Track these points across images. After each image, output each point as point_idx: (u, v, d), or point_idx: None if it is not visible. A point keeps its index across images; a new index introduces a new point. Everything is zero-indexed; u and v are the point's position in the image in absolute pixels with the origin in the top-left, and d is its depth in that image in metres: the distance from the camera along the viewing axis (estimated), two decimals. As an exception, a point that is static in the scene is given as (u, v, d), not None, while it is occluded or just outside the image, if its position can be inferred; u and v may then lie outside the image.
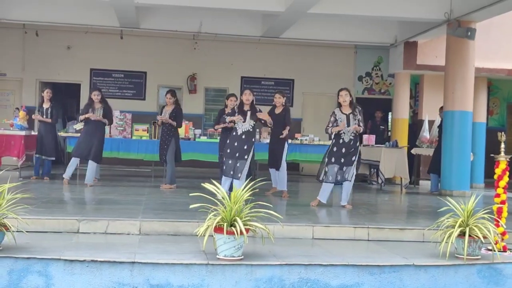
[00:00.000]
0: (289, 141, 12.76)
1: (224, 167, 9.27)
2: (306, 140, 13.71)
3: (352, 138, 9.15)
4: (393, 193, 12.67)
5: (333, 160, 9.08)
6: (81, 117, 11.14)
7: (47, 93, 11.98)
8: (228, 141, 9.41)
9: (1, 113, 15.80)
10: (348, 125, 9.11)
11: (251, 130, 9.31)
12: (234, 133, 9.31)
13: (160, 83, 17.06)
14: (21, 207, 5.84)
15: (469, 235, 5.96)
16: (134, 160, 13.64)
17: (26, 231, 5.89)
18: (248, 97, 9.43)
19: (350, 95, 9.36)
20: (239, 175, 9.06)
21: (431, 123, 13.90)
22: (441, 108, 12.71)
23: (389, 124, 17.31)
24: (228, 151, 9.22)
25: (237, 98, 10.75)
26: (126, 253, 5.72)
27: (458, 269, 5.93)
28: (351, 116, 9.20)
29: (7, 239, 5.56)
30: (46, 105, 11.94)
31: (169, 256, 5.67)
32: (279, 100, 10.57)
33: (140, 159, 13.37)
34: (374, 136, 14.42)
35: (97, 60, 16.59)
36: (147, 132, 13.41)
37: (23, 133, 11.94)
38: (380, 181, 12.95)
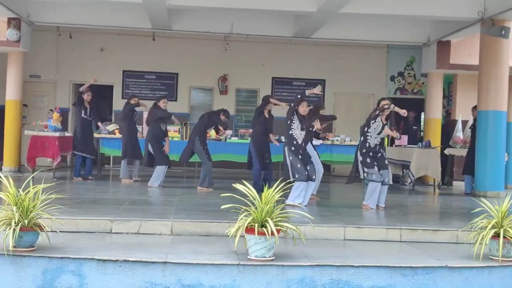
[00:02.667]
0: (319, 142, 12.78)
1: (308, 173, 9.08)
2: (337, 140, 13.67)
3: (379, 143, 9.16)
4: (426, 193, 12.55)
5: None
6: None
7: (87, 97, 12.25)
8: (296, 150, 9.15)
9: (36, 114, 16.03)
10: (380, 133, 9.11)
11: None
12: (295, 142, 9.14)
13: (192, 84, 17.14)
14: (55, 207, 5.92)
15: (504, 237, 5.88)
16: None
17: (60, 231, 5.97)
18: (305, 108, 9.36)
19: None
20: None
21: (464, 123, 13.71)
22: (474, 107, 12.55)
23: (422, 124, 17.14)
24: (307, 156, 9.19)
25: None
26: (158, 253, 5.76)
27: (492, 271, 5.85)
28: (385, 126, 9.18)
29: (42, 239, 5.64)
30: (87, 105, 12.30)
31: (200, 257, 5.69)
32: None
33: (172, 160, 13.43)
34: (407, 136, 14.30)
35: (129, 61, 16.73)
36: (179, 133, 13.48)
37: (57, 134, 12.10)
38: (409, 181, 12.83)
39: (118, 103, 16.25)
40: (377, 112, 9.00)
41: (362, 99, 16.96)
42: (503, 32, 11.37)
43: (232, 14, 13.86)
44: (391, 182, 9.21)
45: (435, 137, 14.96)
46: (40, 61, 16.18)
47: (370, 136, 9.04)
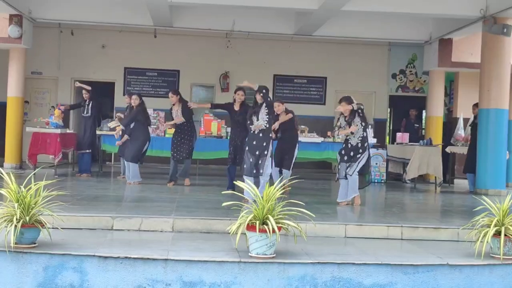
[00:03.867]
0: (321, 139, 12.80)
1: (245, 166, 9.19)
2: (339, 138, 13.64)
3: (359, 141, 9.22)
4: (427, 191, 12.54)
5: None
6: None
7: (85, 94, 12.29)
8: (246, 140, 9.31)
9: (37, 111, 16.03)
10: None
11: (266, 127, 9.21)
12: (251, 132, 9.22)
13: (193, 82, 17.13)
14: (57, 204, 5.93)
15: (505, 235, 5.89)
16: (167, 158, 13.71)
17: (61, 228, 5.98)
18: (259, 97, 9.35)
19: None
20: (261, 171, 9.04)
21: (466, 121, 13.71)
22: (475, 105, 12.55)
23: (423, 122, 17.13)
24: (247, 149, 9.18)
25: (244, 93, 10.72)
26: (159, 250, 5.77)
27: (493, 269, 5.85)
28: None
29: (43, 236, 5.65)
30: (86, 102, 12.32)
31: (201, 254, 5.70)
32: (279, 108, 10.50)
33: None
34: (408, 134, 14.30)
35: (131, 58, 16.72)
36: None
37: (58, 131, 12.11)
38: (404, 178, 12.88)
39: (120, 100, 16.25)
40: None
41: (363, 97, 16.87)
42: (505, 30, 11.34)
43: (234, 11, 13.86)
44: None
45: (437, 135, 14.96)
46: (41, 58, 16.17)
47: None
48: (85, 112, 12.34)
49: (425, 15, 13.17)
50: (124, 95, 15.95)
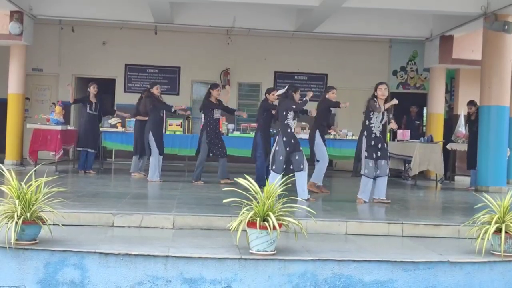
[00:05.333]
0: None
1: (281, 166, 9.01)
2: (342, 134, 13.68)
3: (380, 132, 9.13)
4: (428, 188, 12.54)
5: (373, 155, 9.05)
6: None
7: (93, 88, 12.24)
8: (285, 139, 9.04)
9: (38, 108, 16.05)
10: (381, 121, 9.07)
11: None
12: (289, 130, 9.06)
13: (194, 78, 17.14)
14: (57, 201, 5.93)
15: (506, 232, 5.88)
16: (167, 155, 13.73)
17: (62, 225, 5.99)
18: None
19: (388, 90, 9.20)
20: (302, 166, 9.00)
21: (466, 118, 13.71)
22: (469, 102, 12.56)
23: (424, 119, 17.13)
24: (288, 148, 8.99)
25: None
26: (160, 247, 5.77)
27: (493, 266, 5.85)
28: (385, 113, 9.12)
29: (44, 232, 5.65)
30: (93, 99, 12.23)
31: (202, 250, 5.70)
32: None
33: (174, 154, 13.48)
34: (409, 131, 14.29)
35: (131, 55, 16.72)
36: (181, 127, 13.50)
37: (59, 127, 12.11)
38: (406, 175, 12.86)
39: (120, 97, 16.27)
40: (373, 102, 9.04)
41: (364, 94, 16.74)
42: (506, 27, 11.34)
43: (235, 8, 13.86)
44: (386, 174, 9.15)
45: (438, 132, 14.96)
46: (42, 54, 16.19)
47: (374, 125, 9.07)
48: (92, 110, 12.28)
49: (426, 12, 13.16)
50: (125, 91, 16.00)
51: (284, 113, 9.02)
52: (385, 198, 9.12)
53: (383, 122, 9.14)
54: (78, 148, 12.56)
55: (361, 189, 9.14)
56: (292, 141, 8.97)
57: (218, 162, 11.30)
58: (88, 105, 12.25)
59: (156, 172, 11.13)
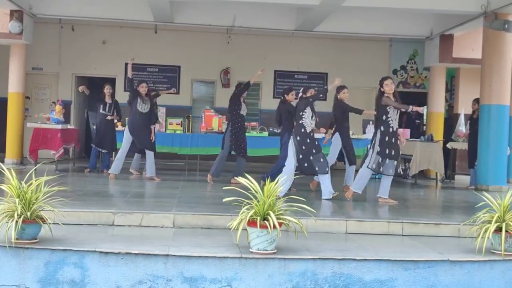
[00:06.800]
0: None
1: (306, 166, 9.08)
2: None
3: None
4: (428, 187, 12.54)
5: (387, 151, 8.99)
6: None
7: (107, 89, 12.22)
8: (298, 138, 9.07)
9: (38, 107, 16.05)
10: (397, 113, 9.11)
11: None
12: (302, 130, 9.10)
13: (194, 77, 17.14)
14: (58, 200, 5.93)
15: (506, 231, 5.89)
16: (168, 154, 13.75)
17: (62, 224, 5.99)
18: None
19: (394, 84, 9.17)
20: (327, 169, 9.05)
21: (467, 117, 13.70)
22: (474, 100, 12.53)
23: (425, 118, 17.12)
24: (304, 147, 9.04)
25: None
26: (160, 246, 5.77)
27: (494, 265, 5.85)
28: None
29: (44, 231, 5.65)
30: (108, 100, 12.21)
31: (202, 249, 5.70)
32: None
33: (174, 153, 13.48)
34: (409, 130, 14.28)
35: (131, 54, 16.49)
36: (181, 126, 13.50)
37: (59, 126, 12.11)
38: (404, 173, 12.87)
39: (121, 96, 16.24)
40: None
41: (364, 93, 16.89)
42: (506, 26, 11.34)
43: (235, 7, 13.85)
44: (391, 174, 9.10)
45: (438, 131, 14.95)
46: (42, 53, 16.18)
47: (391, 119, 9.01)
48: (105, 110, 12.16)
49: (426, 10, 13.15)
50: (125, 90, 15.96)
51: (301, 113, 9.13)
52: (387, 198, 9.12)
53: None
54: (92, 145, 12.50)
55: (357, 181, 9.16)
56: (308, 141, 9.05)
57: (236, 161, 11.17)
58: (101, 105, 12.18)
59: (115, 166, 11.18)
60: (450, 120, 15.88)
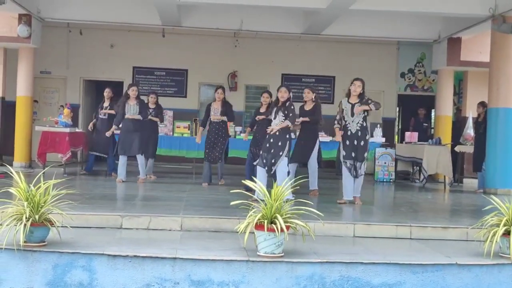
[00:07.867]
0: (329, 138, 12.79)
1: (259, 159, 9.02)
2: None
3: (359, 129, 9.01)
4: (436, 191, 12.50)
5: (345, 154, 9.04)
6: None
7: (107, 93, 12.32)
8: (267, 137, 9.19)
9: (46, 110, 16.11)
10: (352, 115, 9.01)
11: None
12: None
13: (201, 81, 17.17)
14: (66, 203, 5.94)
15: (514, 234, 5.86)
16: (175, 157, 13.77)
17: (71, 227, 6.00)
18: (283, 94, 9.25)
19: (363, 88, 9.12)
20: (272, 168, 8.92)
21: (475, 120, 13.67)
22: (479, 103, 12.48)
23: (432, 121, 17.09)
24: (267, 145, 8.96)
25: (270, 95, 10.70)
26: (168, 249, 5.77)
27: (502, 269, 5.83)
28: (356, 105, 9.03)
29: (52, 234, 5.67)
30: (106, 103, 12.25)
31: (210, 253, 5.70)
32: (308, 95, 10.46)
33: (181, 156, 13.50)
34: (417, 133, 14.26)
35: (139, 58, 16.77)
36: (188, 129, 13.52)
37: (67, 130, 12.14)
38: (422, 178, 12.77)
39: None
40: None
41: (372, 96, 16.69)
42: (514, 29, 11.31)
43: (242, 11, 13.87)
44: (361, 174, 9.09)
45: (446, 134, 14.92)
46: (50, 57, 16.26)
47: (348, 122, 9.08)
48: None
49: (434, 14, 13.13)
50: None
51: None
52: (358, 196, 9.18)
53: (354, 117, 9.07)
54: (89, 151, 12.56)
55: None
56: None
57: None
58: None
59: (119, 171, 11.22)
60: (458, 124, 15.84)
